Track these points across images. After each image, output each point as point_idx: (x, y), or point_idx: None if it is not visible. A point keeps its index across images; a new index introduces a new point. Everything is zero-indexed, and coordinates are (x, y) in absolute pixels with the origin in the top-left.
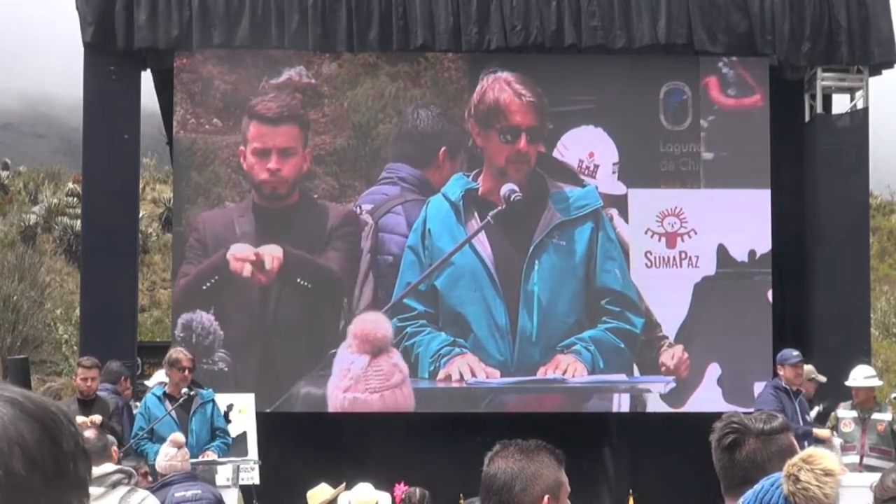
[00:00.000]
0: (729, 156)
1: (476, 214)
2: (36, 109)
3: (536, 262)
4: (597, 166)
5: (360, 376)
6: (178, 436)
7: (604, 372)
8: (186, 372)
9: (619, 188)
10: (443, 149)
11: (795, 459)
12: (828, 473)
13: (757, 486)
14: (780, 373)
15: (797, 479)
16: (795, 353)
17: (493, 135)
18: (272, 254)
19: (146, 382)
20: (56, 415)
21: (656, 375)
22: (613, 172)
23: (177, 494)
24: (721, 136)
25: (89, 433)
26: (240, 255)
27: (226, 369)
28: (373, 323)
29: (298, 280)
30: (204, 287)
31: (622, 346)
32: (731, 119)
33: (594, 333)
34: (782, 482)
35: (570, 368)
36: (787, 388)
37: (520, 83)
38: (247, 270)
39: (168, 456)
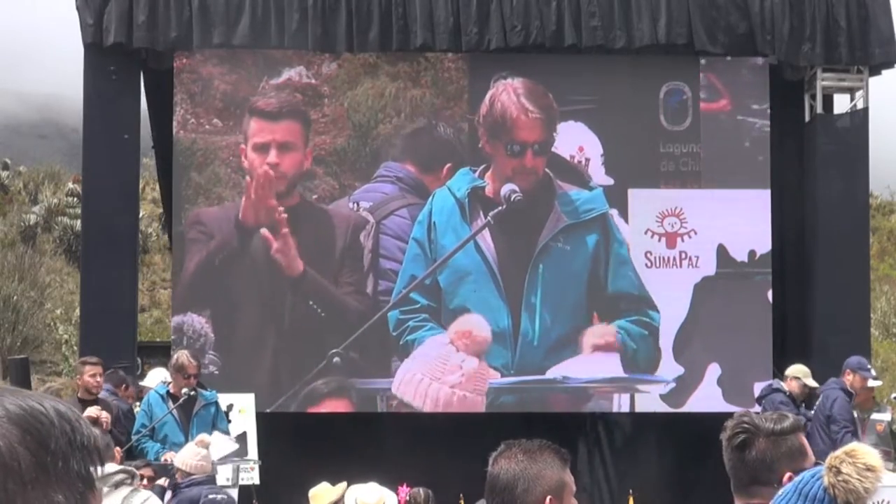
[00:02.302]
0: (729, 156)
1: (481, 213)
2: (38, 111)
3: (541, 265)
4: (588, 160)
5: (472, 375)
6: (207, 437)
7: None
8: (192, 379)
9: (608, 180)
10: (448, 165)
11: (839, 452)
12: (870, 469)
13: (797, 478)
14: (848, 378)
15: (838, 472)
16: (870, 366)
17: (500, 147)
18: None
19: (141, 383)
20: (44, 415)
21: (656, 374)
22: (602, 164)
23: (210, 496)
24: (721, 136)
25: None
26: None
27: (216, 372)
28: (479, 326)
29: (298, 280)
30: (216, 262)
31: (647, 333)
32: (729, 120)
33: (621, 323)
34: (823, 474)
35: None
36: (851, 392)
37: (528, 95)
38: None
39: (199, 455)
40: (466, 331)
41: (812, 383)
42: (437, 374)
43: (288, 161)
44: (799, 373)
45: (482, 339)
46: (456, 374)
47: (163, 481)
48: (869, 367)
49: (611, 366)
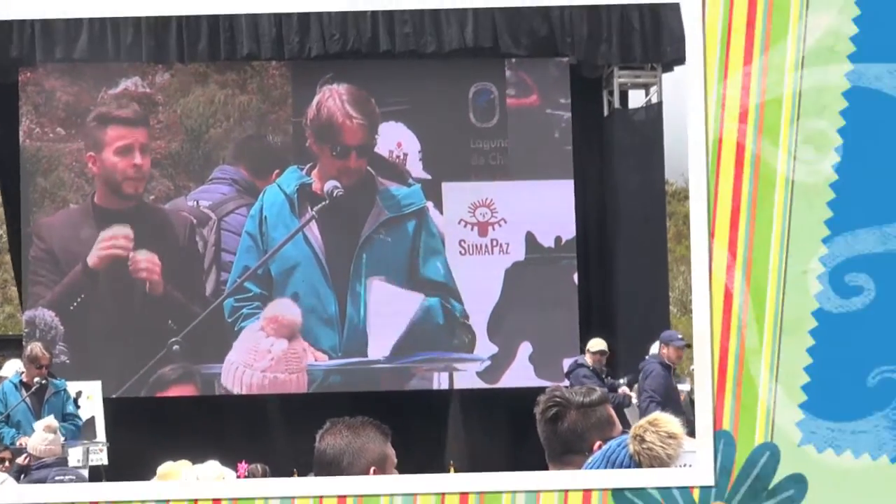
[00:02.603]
0: (535, 149)
1: (309, 208)
2: None
3: (364, 255)
4: (406, 155)
5: (281, 358)
6: (53, 422)
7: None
8: (43, 369)
9: (425, 175)
10: (277, 171)
11: (642, 422)
12: (671, 436)
13: (605, 446)
14: (664, 351)
15: (643, 440)
16: (680, 336)
17: (326, 148)
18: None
19: None
20: None
21: (471, 353)
22: (420, 160)
23: (57, 478)
24: (526, 131)
25: None
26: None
27: (68, 361)
28: (285, 309)
29: (143, 272)
30: (71, 307)
31: (442, 322)
32: (536, 116)
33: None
34: (629, 443)
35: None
36: (668, 364)
37: (352, 101)
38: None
39: (47, 441)
40: (274, 316)
41: (597, 348)
42: (250, 360)
43: (146, 162)
44: (590, 346)
45: (289, 322)
46: (265, 359)
47: (22, 459)
48: (679, 336)
49: (429, 344)
